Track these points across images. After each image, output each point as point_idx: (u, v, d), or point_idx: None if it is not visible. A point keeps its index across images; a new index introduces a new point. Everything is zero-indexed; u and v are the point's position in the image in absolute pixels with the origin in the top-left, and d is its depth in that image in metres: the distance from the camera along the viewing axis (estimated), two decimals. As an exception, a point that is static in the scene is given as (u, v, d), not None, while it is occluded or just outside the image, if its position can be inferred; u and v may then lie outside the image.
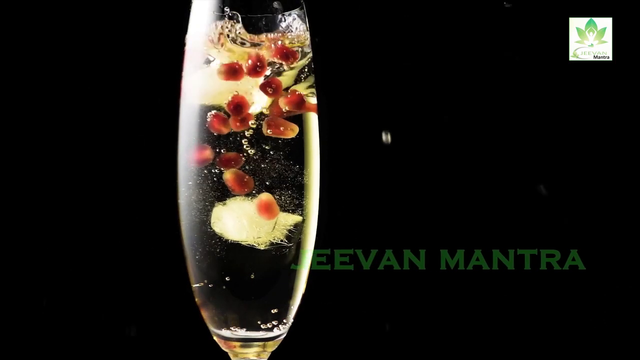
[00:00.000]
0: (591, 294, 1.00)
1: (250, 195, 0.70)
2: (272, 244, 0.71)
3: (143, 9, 0.96)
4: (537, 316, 1.00)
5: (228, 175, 0.70)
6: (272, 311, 0.73)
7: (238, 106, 0.70)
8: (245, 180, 0.70)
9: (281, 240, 0.71)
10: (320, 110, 0.74)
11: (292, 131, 0.71)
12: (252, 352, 0.73)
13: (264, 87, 0.71)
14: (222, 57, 0.71)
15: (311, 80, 0.74)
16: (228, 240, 0.70)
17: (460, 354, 0.99)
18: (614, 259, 1.00)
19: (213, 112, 0.71)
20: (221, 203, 0.70)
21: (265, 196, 0.70)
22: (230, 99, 0.71)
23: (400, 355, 0.98)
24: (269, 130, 0.70)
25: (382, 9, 1.00)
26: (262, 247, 0.71)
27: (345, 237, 0.98)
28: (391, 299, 1.01)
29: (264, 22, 0.72)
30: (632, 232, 1.00)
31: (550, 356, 0.99)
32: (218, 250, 0.71)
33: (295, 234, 0.72)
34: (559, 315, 1.00)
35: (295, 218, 0.72)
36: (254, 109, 0.71)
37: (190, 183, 0.72)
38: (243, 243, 0.70)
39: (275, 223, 0.71)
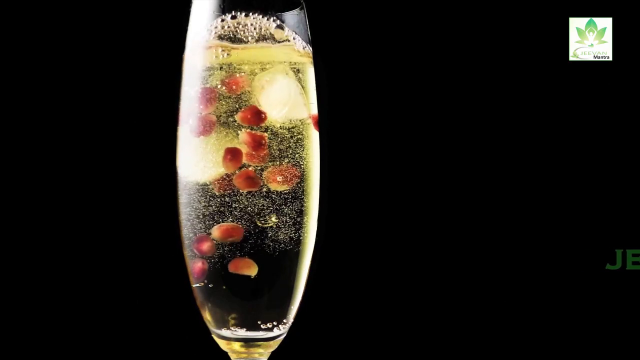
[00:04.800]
0: None
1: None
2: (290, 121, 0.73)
3: (143, 8, 0.96)
4: None
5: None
6: (272, 311, 0.73)
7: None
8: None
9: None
10: (322, 115, 0.75)
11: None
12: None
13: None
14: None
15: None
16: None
17: None
18: None
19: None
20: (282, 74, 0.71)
21: None
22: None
23: (400, 356, 0.98)
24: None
25: (381, 10, 1.00)
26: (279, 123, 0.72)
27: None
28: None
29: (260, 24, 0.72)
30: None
31: None
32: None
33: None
34: None
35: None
36: None
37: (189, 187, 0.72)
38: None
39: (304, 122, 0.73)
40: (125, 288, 0.97)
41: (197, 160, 0.72)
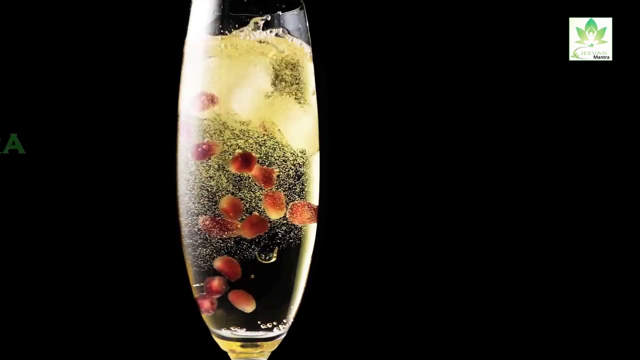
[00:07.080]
0: None
1: None
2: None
3: (143, 8, 0.96)
4: None
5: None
6: (272, 311, 0.73)
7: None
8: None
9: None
10: (322, 115, 0.75)
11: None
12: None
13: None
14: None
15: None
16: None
17: None
18: None
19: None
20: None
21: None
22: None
23: (400, 356, 0.98)
24: None
25: (381, 9, 1.00)
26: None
27: None
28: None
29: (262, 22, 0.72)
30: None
31: None
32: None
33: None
34: None
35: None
36: None
37: (189, 181, 0.72)
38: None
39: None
40: (125, 288, 0.97)
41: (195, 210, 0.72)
